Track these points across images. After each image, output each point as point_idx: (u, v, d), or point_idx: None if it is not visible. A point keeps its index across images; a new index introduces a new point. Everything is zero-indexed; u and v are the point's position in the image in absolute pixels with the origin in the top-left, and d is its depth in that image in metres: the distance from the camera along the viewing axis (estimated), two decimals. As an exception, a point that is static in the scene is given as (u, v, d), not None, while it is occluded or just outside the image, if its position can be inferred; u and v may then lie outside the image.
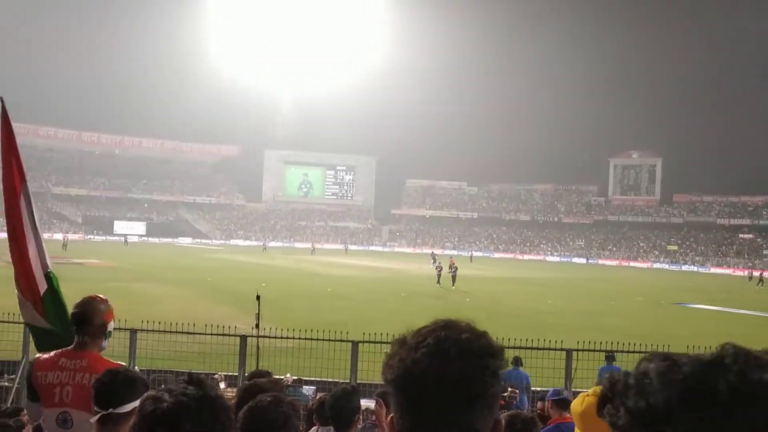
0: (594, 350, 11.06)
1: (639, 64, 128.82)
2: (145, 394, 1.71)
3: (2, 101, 4.19)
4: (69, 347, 3.31)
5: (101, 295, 3.49)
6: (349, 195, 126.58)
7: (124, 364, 3.36)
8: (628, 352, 10.84)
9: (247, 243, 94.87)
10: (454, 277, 37.58)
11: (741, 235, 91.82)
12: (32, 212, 4.07)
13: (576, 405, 3.61)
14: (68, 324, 3.75)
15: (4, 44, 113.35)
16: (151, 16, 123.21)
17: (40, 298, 3.89)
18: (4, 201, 4.08)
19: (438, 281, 38.34)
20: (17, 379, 9.52)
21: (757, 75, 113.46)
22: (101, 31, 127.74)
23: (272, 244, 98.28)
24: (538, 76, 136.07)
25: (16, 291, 3.96)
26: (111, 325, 3.47)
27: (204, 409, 1.57)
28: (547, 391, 9.18)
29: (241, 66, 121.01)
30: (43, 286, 3.92)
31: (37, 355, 3.39)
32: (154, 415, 1.57)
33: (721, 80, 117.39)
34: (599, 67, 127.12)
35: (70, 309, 3.61)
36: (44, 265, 4.00)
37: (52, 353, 3.31)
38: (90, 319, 3.28)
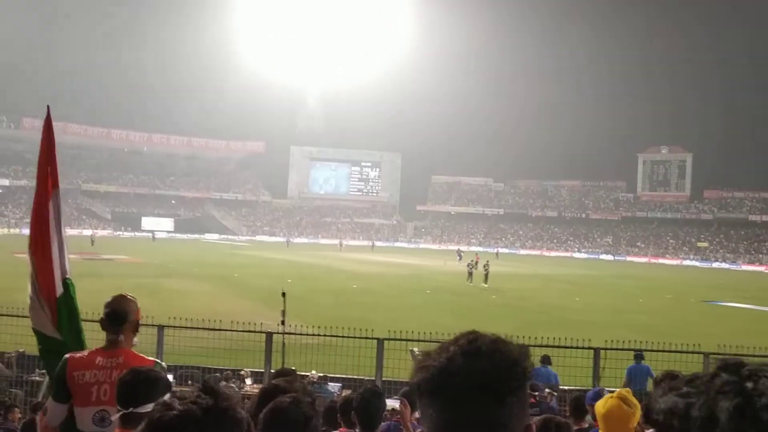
0: (622, 349, 10.87)
1: (667, 58, 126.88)
2: (159, 400, 1.68)
3: (48, 109, 4.25)
4: (102, 346, 3.35)
5: (129, 294, 3.53)
6: (375, 191, 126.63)
7: (158, 360, 3.39)
8: (657, 351, 10.64)
9: (273, 239, 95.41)
10: (486, 275, 36.91)
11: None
12: (59, 217, 4.11)
13: (599, 406, 3.62)
14: (78, 333, 3.78)
15: (34, 43, 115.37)
16: (178, 14, 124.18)
17: (55, 300, 3.91)
18: (34, 202, 4.12)
19: (469, 279, 37.36)
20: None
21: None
22: (130, 30, 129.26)
23: (297, 240, 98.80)
24: (565, 71, 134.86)
25: (29, 292, 3.96)
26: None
27: (212, 420, 1.53)
28: (576, 391, 9.05)
29: (266, 62, 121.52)
30: (59, 290, 3.94)
31: (70, 354, 3.40)
32: (160, 423, 1.54)
33: (751, 74, 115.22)
34: (627, 62, 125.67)
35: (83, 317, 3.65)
36: (63, 271, 4.01)
37: (86, 352, 3.34)
38: (125, 316, 3.37)
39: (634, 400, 3.54)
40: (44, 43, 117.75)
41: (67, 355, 3.36)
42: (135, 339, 3.46)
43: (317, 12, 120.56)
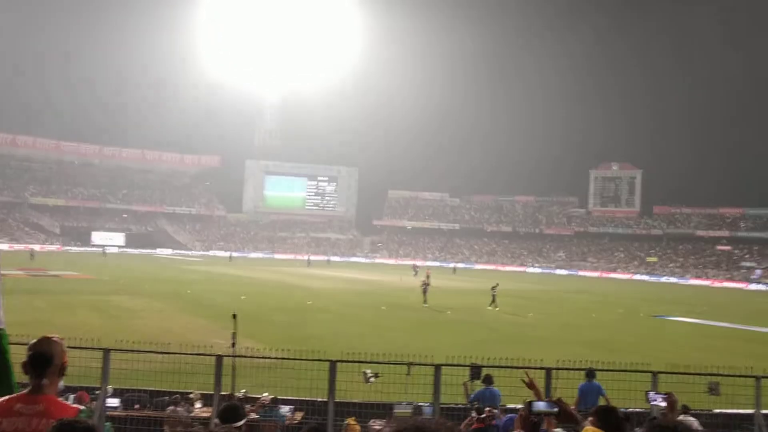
0: (574, 369, 10.93)
1: (618, 77, 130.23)
2: None
3: None
4: (24, 391, 3.14)
5: (55, 336, 3.32)
6: (331, 206, 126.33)
7: (82, 407, 3.20)
8: (608, 370, 10.74)
9: (228, 254, 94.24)
10: (424, 292, 35.01)
11: (719, 247, 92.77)
12: None
13: None
14: (9, 383, 3.59)
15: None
16: (130, 27, 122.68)
17: None
18: None
19: (425, 301, 34.58)
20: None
21: (735, 89, 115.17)
22: (80, 41, 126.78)
23: (253, 254, 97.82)
24: (519, 89, 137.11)
25: None
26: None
27: None
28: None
29: (222, 76, 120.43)
30: None
31: None
32: None
33: (699, 94, 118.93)
34: (579, 80, 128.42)
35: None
36: None
37: (5, 398, 3.13)
38: (50, 360, 3.14)
39: None
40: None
41: None
42: (60, 383, 3.26)
43: (274, 25, 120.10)
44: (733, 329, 31.01)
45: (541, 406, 4.00)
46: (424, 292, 35.25)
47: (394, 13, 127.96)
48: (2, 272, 3.97)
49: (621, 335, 26.16)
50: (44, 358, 3.13)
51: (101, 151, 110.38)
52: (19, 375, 3.63)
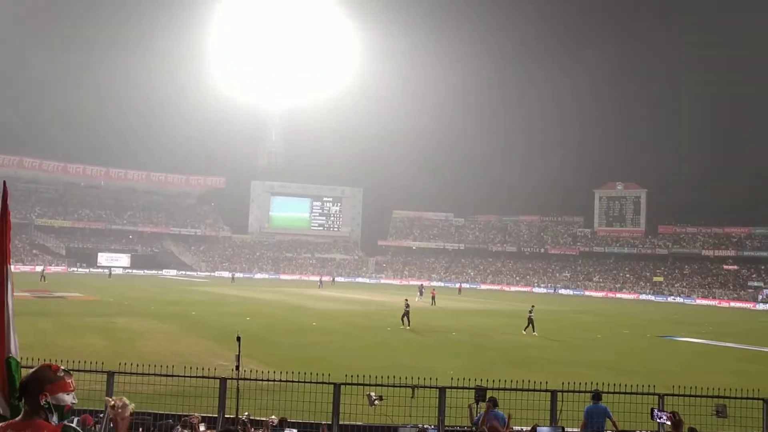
0: (579, 391, 10.87)
1: (623, 96, 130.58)
2: None
3: (4, 184, 4.10)
4: (17, 418, 3.14)
5: (56, 365, 3.29)
6: (336, 226, 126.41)
7: (68, 425, 3.18)
8: (614, 393, 10.67)
9: (230, 275, 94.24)
10: (406, 315, 33.32)
11: (725, 267, 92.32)
12: (10, 295, 3.94)
13: None
14: (18, 407, 3.60)
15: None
16: (138, 49, 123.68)
17: (5, 381, 3.73)
18: None
19: (407, 323, 32.99)
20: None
21: (741, 108, 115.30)
22: (86, 65, 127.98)
23: (258, 275, 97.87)
24: (524, 109, 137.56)
25: None
26: (69, 397, 3.24)
27: None
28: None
29: (227, 99, 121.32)
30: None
31: None
32: None
33: (704, 113, 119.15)
34: (584, 100, 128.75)
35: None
36: (8, 350, 3.84)
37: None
38: (31, 390, 3.09)
39: None
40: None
41: None
42: (54, 418, 3.20)
43: (278, 48, 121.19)
44: (740, 350, 30.80)
45: (545, 431, 4.01)
46: (406, 315, 33.28)
47: (398, 34, 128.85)
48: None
49: (627, 356, 26.00)
50: (24, 387, 3.14)
51: (107, 173, 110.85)
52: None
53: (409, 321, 33.27)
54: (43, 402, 3.09)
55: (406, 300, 34.81)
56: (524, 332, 32.25)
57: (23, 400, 3.14)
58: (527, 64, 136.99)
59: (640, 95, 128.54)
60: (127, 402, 3.80)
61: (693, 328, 40.20)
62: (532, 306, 34.45)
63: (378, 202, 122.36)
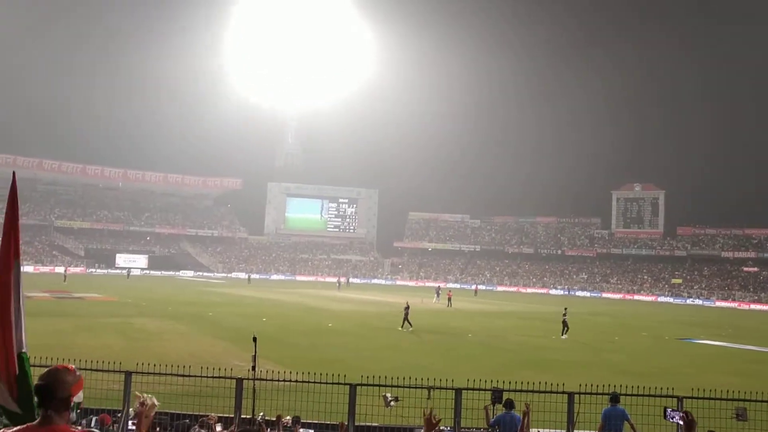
0: (597, 393, 10.78)
1: (640, 97, 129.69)
2: None
3: (14, 175, 4.14)
4: (34, 422, 3.09)
5: (70, 365, 3.27)
6: (351, 228, 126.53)
7: (93, 429, 3.19)
8: (632, 395, 10.57)
9: (246, 276, 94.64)
10: (405, 317, 32.79)
11: (745, 269, 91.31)
12: (19, 289, 3.97)
13: None
14: (31, 405, 3.61)
15: (10, 78, 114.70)
16: (155, 50, 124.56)
17: (15, 377, 3.74)
18: None
19: (407, 326, 32.41)
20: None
21: (760, 108, 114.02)
22: (105, 65, 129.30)
23: (274, 276, 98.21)
24: (540, 110, 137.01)
25: None
26: (80, 396, 3.24)
27: None
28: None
29: (244, 100, 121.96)
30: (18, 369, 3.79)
31: (2, 429, 3.21)
32: None
33: (724, 113, 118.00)
34: (602, 100, 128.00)
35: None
36: (20, 345, 3.85)
37: (18, 428, 3.11)
38: (53, 393, 3.03)
39: None
40: (18, 76, 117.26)
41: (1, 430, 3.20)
42: (72, 414, 3.19)
43: (294, 50, 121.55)
44: (760, 352, 30.45)
45: None
46: (405, 318, 32.77)
47: (414, 35, 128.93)
48: (28, 294, 4.05)
49: (645, 358, 25.77)
50: (47, 390, 3.04)
51: (125, 174, 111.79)
52: None
53: (410, 323, 32.50)
54: (72, 402, 3.09)
55: (407, 302, 34.34)
56: (563, 336, 31.60)
57: (40, 403, 3.08)
58: (544, 65, 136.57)
59: (658, 96, 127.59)
60: (156, 402, 3.81)
61: (712, 331, 39.78)
62: (565, 309, 34.12)
63: (394, 204, 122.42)
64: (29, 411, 3.52)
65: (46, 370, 3.14)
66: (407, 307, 33.26)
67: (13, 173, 4.28)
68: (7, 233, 3.99)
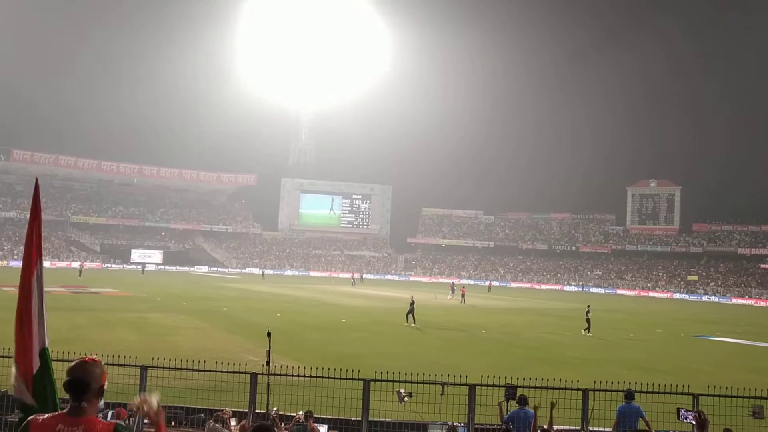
0: (611, 390, 10.73)
1: (656, 93, 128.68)
2: None
3: (36, 182, 4.28)
4: (65, 411, 3.23)
5: (94, 357, 3.41)
6: (365, 224, 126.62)
7: (120, 423, 3.28)
8: (647, 392, 10.51)
9: (260, 271, 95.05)
10: (410, 313, 32.71)
11: (762, 265, 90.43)
12: (42, 288, 4.08)
13: None
14: (53, 401, 3.70)
15: (26, 74, 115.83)
16: (169, 49, 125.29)
17: (32, 376, 3.84)
18: (21, 275, 4.09)
19: (411, 321, 32.36)
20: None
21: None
22: (121, 62, 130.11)
23: (288, 272, 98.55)
24: (555, 105, 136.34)
25: (14, 373, 3.89)
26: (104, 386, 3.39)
27: None
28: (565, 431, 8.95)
29: (258, 96, 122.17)
30: (36, 365, 3.88)
31: (34, 416, 3.29)
32: None
33: (740, 109, 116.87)
34: (618, 97, 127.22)
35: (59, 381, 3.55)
36: (42, 342, 3.96)
37: (47, 416, 3.22)
38: (88, 385, 3.21)
39: None
40: (35, 74, 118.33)
41: (30, 418, 3.27)
42: (101, 402, 3.35)
43: (308, 45, 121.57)
44: (777, 350, 30.16)
45: None
46: (411, 312, 32.67)
47: (428, 31, 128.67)
48: (45, 289, 4.11)
49: (660, 355, 25.61)
50: (81, 384, 3.20)
51: (140, 170, 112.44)
52: (61, 391, 3.74)
53: (414, 318, 32.44)
54: (102, 394, 3.23)
55: (412, 297, 34.22)
56: (589, 334, 31.27)
57: (75, 396, 3.21)
58: (559, 61, 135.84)
59: (673, 91, 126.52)
60: (148, 399, 3.44)
61: (728, 328, 39.48)
62: (588, 306, 33.70)
63: (407, 200, 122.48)
64: (45, 406, 3.59)
65: (73, 363, 3.32)
66: (413, 302, 33.18)
67: (36, 180, 4.42)
68: (30, 234, 4.10)
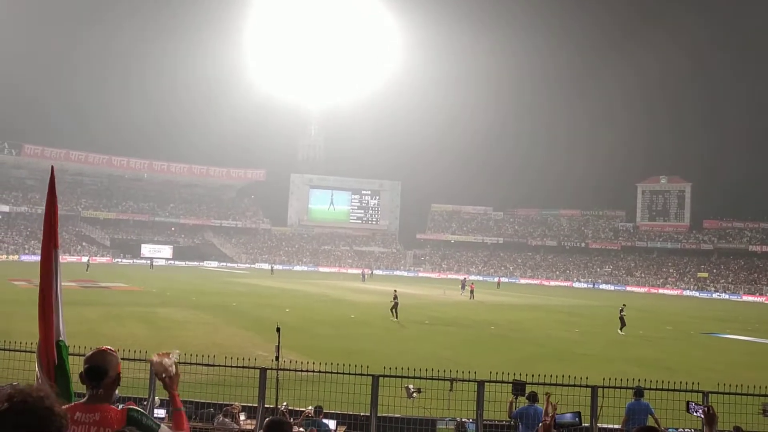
0: (621, 387, 10.70)
1: (665, 89, 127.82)
2: None
3: (52, 169, 4.32)
4: (82, 400, 3.30)
5: (109, 348, 3.49)
6: (374, 219, 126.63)
7: (132, 407, 3.36)
8: (657, 389, 10.48)
9: (269, 267, 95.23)
10: (393, 308, 32.73)
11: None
12: (59, 277, 4.15)
13: None
14: (68, 392, 3.76)
15: (36, 68, 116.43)
16: (181, 43, 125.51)
17: (54, 367, 3.91)
18: (40, 266, 4.15)
19: (394, 315, 32.36)
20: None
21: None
22: (131, 58, 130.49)
23: (297, 267, 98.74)
24: (564, 102, 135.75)
25: (36, 365, 3.94)
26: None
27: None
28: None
29: (267, 91, 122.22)
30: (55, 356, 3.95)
31: None
32: None
33: (750, 105, 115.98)
34: (629, 93, 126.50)
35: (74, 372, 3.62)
36: (58, 333, 4.01)
37: (66, 406, 3.27)
38: (105, 373, 3.31)
39: None
40: (46, 69, 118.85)
41: None
42: (116, 392, 3.43)
43: (318, 40, 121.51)
44: (788, 348, 29.98)
45: (567, 417, 3.97)
46: (394, 307, 32.73)
47: (438, 28, 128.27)
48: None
49: (670, 353, 25.52)
50: (100, 371, 3.31)
51: (150, 165, 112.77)
52: (75, 384, 3.78)
53: (396, 314, 32.25)
54: (119, 383, 3.36)
55: (395, 291, 33.90)
56: (622, 332, 31.11)
57: (93, 384, 3.30)
58: (569, 57, 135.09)
59: (684, 88, 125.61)
60: (170, 361, 3.60)
61: (739, 325, 39.29)
62: (623, 305, 33.16)
63: (416, 196, 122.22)
64: (67, 399, 3.64)
65: (91, 352, 3.42)
66: (396, 296, 32.81)
67: (52, 168, 4.45)
68: (47, 223, 4.15)
